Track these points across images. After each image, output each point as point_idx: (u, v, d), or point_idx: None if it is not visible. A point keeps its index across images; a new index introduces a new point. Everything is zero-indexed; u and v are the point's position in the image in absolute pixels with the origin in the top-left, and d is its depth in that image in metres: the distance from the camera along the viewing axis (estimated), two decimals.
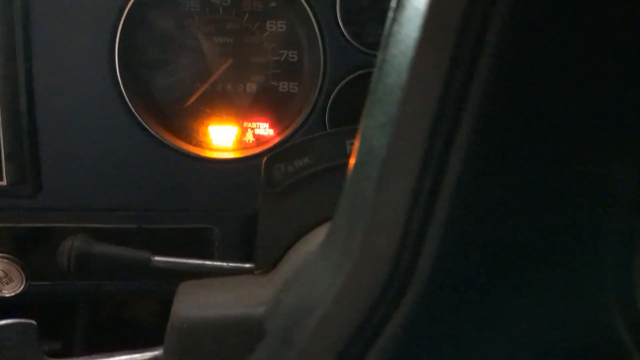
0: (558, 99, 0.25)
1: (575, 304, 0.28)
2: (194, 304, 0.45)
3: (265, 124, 0.74)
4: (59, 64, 0.63)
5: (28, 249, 0.69)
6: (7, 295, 0.71)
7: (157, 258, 0.57)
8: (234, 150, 0.74)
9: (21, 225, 0.68)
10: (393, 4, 0.27)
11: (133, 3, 0.64)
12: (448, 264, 0.27)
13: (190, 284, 0.50)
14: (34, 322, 0.43)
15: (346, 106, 0.69)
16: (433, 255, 0.26)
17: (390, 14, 0.27)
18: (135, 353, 0.47)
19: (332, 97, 0.68)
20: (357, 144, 0.29)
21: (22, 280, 0.70)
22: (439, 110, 0.25)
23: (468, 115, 0.24)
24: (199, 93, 0.72)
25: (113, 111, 0.65)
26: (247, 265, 0.57)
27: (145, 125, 0.66)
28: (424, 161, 0.25)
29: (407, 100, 0.25)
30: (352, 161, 0.30)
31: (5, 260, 0.69)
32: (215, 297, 0.46)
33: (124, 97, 0.65)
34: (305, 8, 0.67)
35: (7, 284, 0.70)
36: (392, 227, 0.26)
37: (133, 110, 0.66)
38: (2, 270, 0.70)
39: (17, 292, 0.71)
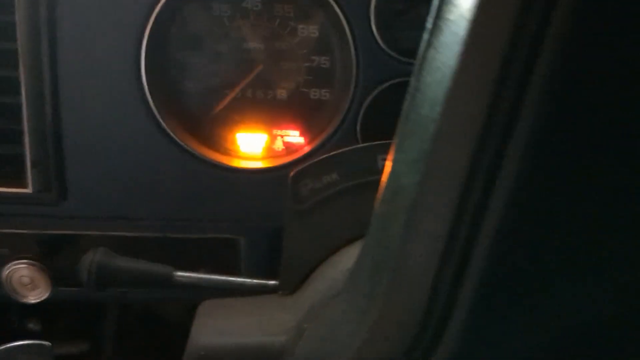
0: (613, 138, 0.22)
1: None
2: (212, 328, 0.43)
3: (295, 131, 0.72)
4: (84, 67, 0.62)
5: (53, 256, 0.69)
6: (32, 301, 0.70)
7: (179, 273, 0.55)
8: (262, 158, 0.72)
9: (46, 232, 0.67)
10: (429, 24, 0.24)
11: (162, 5, 0.63)
12: (484, 320, 0.24)
13: (211, 305, 0.48)
14: (48, 343, 0.41)
15: (380, 116, 0.66)
16: (467, 311, 0.23)
17: (425, 37, 0.24)
18: None
19: (364, 105, 0.65)
20: (385, 177, 0.27)
21: (47, 286, 0.70)
22: (479, 149, 0.22)
23: (512, 157, 0.21)
24: (227, 100, 0.70)
25: (138, 118, 0.64)
26: (272, 283, 0.55)
27: (171, 133, 0.65)
28: (459, 206, 0.22)
29: (441, 136, 0.23)
30: (379, 196, 0.27)
31: (31, 266, 0.69)
32: (235, 321, 0.44)
33: (149, 103, 0.63)
34: (337, 13, 0.64)
35: (33, 290, 0.70)
36: (421, 278, 0.23)
37: (158, 118, 0.64)
38: (28, 277, 0.69)
39: (42, 298, 0.70)
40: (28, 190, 0.63)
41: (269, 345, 0.40)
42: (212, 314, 0.46)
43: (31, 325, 0.93)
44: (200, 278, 0.55)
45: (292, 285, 0.50)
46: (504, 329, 0.24)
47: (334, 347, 0.26)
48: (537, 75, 0.20)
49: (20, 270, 0.69)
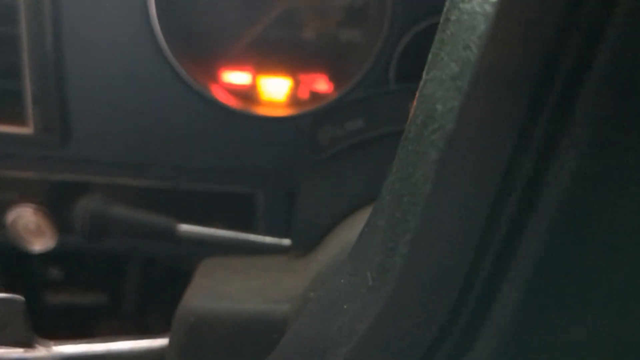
0: None
1: None
2: (207, 291, 0.37)
3: (322, 77, 0.64)
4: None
5: (59, 203, 0.64)
6: (37, 249, 0.66)
7: (183, 227, 0.49)
8: (285, 106, 0.65)
9: (52, 177, 0.63)
10: None
11: None
12: (540, 305, 0.17)
13: (212, 263, 0.43)
14: (21, 297, 0.36)
15: (417, 60, 0.57)
16: (523, 287, 0.16)
17: None
18: (144, 339, 0.40)
19: (400, 47, 0.57)
20: (413, 107, 0.20)
21: (53, 234, 0.66)
22: (553, 50, 0.14)
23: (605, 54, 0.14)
24: (247, 39, 0.63)
25: (146, 54, 0.57)
26: (285, 242, 0.49)
27: (183, 74, 0.58)
28: (519, 138, 0.15)
29: (497, 36, 0.15)
30: (404, 134, 0.20)
31: (37, 212, 0.65)
32: (235, 284, 0.38)
33: (158, 40, 0.57)
34: None
35: (38, 237, 0.66)
36: (458, 242, 0.16)
37: (169, 55, 0.57)
38: (34, 223, 0.65)
39: (48, 247, 0.66)
40: (30, 129, 0.58)
41: (268, 314, 0.34)
42: (211, 274, 0.40)
43: (52, 274, 0.91)
44: (206, 233, 0.50)
45: (306, 245, 0.43)
46: (566, 309, 0.17)
47: (334, 330, 0.20)
48: None
49: (26, 216, 0.65)
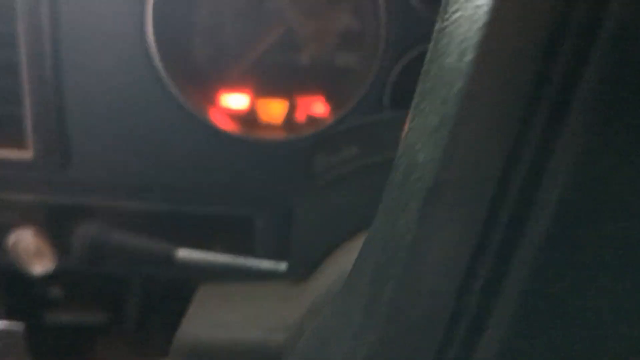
0: None
1: None
2: (204, 320, 0.37)
3: (319, 101, 0.65)
4: (86, 24, 0.57)
5: (59, 225, 0.65)
6: (38, 272, 0.67)
7: (181, 252, 0.50)
8: (281, 129, 0.65)
9: (52, 200, 0.63)
10: None
11: None
12: (525, 342, 0.17)
13: (210, 290, 0.43)
14: (21, 324, 0.36)
15: (412, 86, 0.58)
16: (506, 331, 0.17)
17: None
18: None
19: (395, 73, 0.58)
20: (398, 153, 0.20)
21: (53, 257, 0.66)
22: (528, 107, 0.15)
23: (578, 108, 0.15)
24: (244, 63, 0.63)
25: (145, 81, 0.58)
26: (282, 266, 0.50)
27: (179, 98, 0.59)
28: (497, 190, 0.16)
29: (473, 93, 0.16)
30: (389, 178, 0.20)
31: (38, 235, 0.65)
32: (231, 312, 0.38)
33: (155, 64, 0.58)
34: None
35: (38, 259, 0.66)
36: (440, 287, 0.17)
37: (166, 81, 0.58)
38: (34, 246, 0.66)
39: (49, 269, 0.67)
40: (29, 153, 0.59)
41: (264, 343, 0.34)
42: (208, 302, 0.40)
43: (53, 293, 0.91)
44: (204, 257, 0.50)
45: (302, 272, 0.44)
46: (547, 352, 0.18)
47: None
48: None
49: (27, 239, 0.66)
